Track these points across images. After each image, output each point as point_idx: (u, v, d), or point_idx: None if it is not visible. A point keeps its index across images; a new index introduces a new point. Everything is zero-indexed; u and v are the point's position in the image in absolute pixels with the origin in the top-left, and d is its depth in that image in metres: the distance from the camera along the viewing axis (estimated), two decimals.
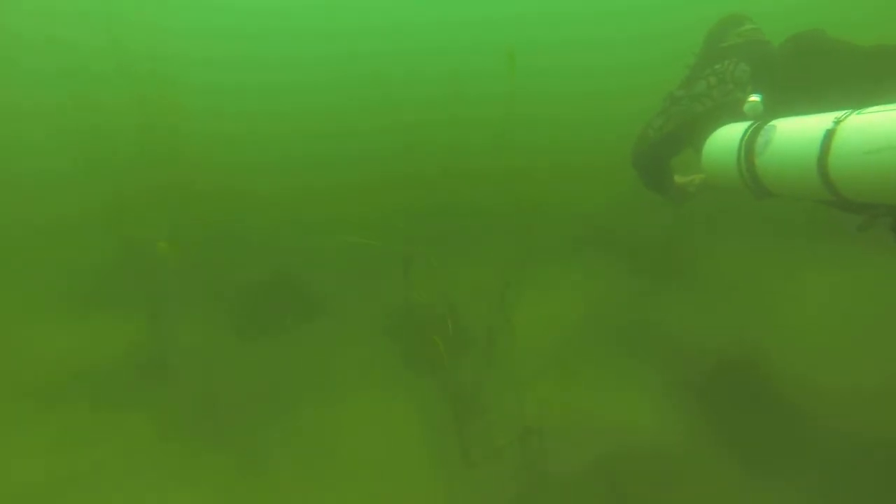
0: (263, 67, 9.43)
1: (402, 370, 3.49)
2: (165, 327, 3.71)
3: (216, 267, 4.31)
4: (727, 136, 2.13)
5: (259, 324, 3.94)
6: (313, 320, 4.06)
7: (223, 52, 9.65)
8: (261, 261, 4.52)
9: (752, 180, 1.98)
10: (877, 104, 1.59)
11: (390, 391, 3.31)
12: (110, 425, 3.05)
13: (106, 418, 3.10)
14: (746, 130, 2.01)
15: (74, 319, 3.98)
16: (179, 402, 3.21)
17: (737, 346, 3.42)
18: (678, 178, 2.75)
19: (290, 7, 11.99)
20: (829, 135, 1.62)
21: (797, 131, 1.78)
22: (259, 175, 5.93)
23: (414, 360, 3.52)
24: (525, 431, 2.72)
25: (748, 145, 1.96)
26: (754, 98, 2.16)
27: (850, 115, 1.60)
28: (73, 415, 3.12)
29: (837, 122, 1.61)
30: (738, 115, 2.19)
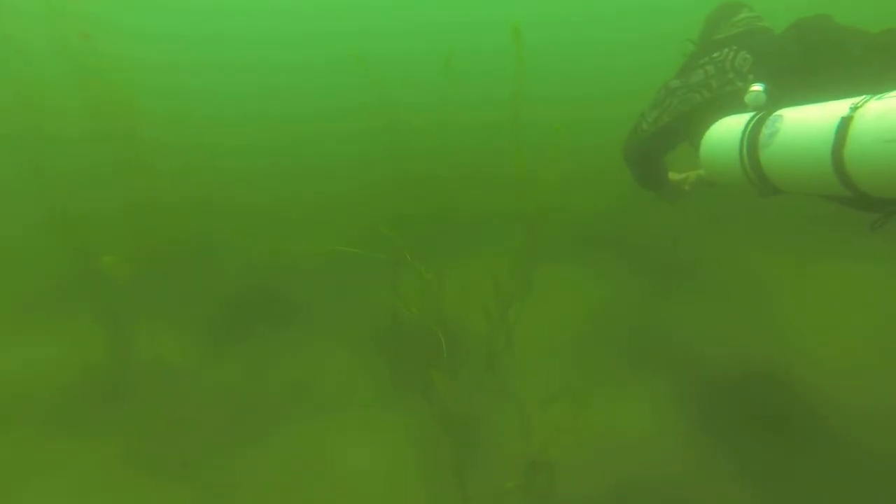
0: (244, 72, 9.28)
1: (391, 391, 3.23)
2: (127, 343, 3.42)
3: (187, 278, 4.07)
4: (728, 128, 1.98)
5: (232, 338, 3.68)
6: (291, 335, 3.78)
7: (201, 57, 9.50)
8: (236, 271, 4.29)
9: (756, 175, 1.82)
10: (894, 89, 1.42)
11: (377, 415, 3.05)
12: (62, 455, 2.76)
13: (57, 447, 2.81)
14: (749, 122, 1.86)
15: (22, 336, 3.66)
16: (141, 427, 2.93)
17: (754, 357, 3.20)
18: (672, 175, 2.62)
19: (273, 9, 11.92)
20: (846, 122, 1.45)
21: (808, 120, 1.62)
22: (235, 183, 5.70)
23: (403, 381, 3.26)
24: (531, 465, 2.45)
25: (752, 137, 1.81)
26: (757, 87, 2.00)
27: (868, 100, 1.44)
28: (18, 443, 2.82)
29: (854, 108, 1.45)
30: (738, 106, 2.04)
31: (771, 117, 1.76)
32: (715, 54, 2.28)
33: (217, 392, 3.24)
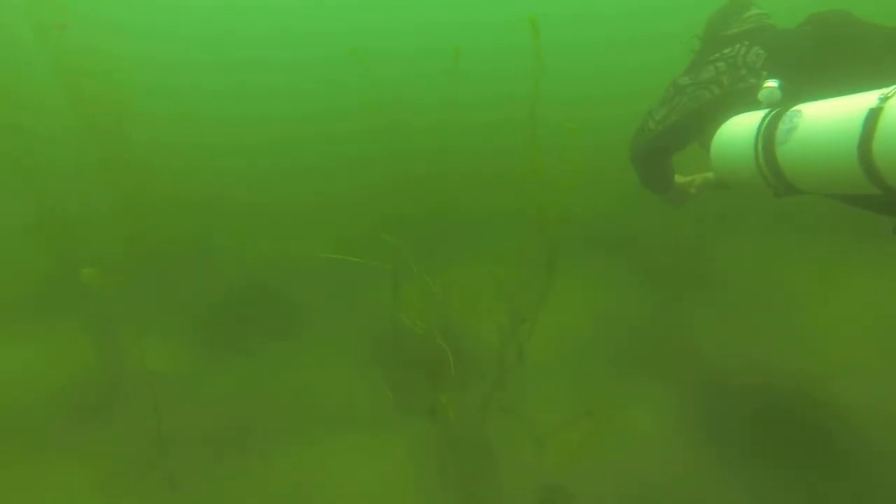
0: (244, 70, 9.17)
1: (393, 408, 3.04)
2: (114, 352, 3.22)
3: (179, 282, 3.92)
4: (741, 125, 1.90)
5: (226, 347, 3.53)
6: (287, 345, 3.59)
7: (201, 55, 9.40)
8: (232, 274, 4.15)
9: (772, 174, 1.74)
10: None
11: (378, 435, 2.85)
12: (40, 476, 2.57)
13: (35, 469, 2.62)
14: (764, 118, 1.78)
15: (1, 345, 3.46)
16: (126, 445, 2.73)
17: (778, 370, 3.01)
18: (678, 178, 2.54)
19: (272, 8, 11.83)
20: (874, 114, 1.36)
21: (831, 113, 1.53)
22: (234, 183, 5.58)
23: (406, 397, 3.07)
24: (546, 491, 2.33)
25: (767, 134, 1.72)
26: (771, 83, 1.93)
27: None
28: None
29: (885, 98, 1.35)
30: (751, 104, 1.96)
31: (788, 112, 1.68)
32: (726, 50, 2.20)
33: (208, 406, 3.08)
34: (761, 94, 1.93)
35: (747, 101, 1.98)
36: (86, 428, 2.88)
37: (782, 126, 1.67)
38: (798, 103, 1.70)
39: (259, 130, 6.99)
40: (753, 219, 4.24)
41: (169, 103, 6.49)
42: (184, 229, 4.36)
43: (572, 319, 3.68)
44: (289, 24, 11.29)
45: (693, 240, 4.20)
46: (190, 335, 3.63)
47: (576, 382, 3.15)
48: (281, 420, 2.97)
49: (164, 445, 2.65)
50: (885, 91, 1.38)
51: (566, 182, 2.69)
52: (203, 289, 3.97)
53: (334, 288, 4.06)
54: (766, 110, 1.82)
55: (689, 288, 3.84)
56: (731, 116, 2.00)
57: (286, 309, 3.90)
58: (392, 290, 3.44)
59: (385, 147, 5.51)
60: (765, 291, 3.73)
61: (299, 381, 3.28)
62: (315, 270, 4.17)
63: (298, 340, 3.63)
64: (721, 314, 3.57)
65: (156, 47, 8.08)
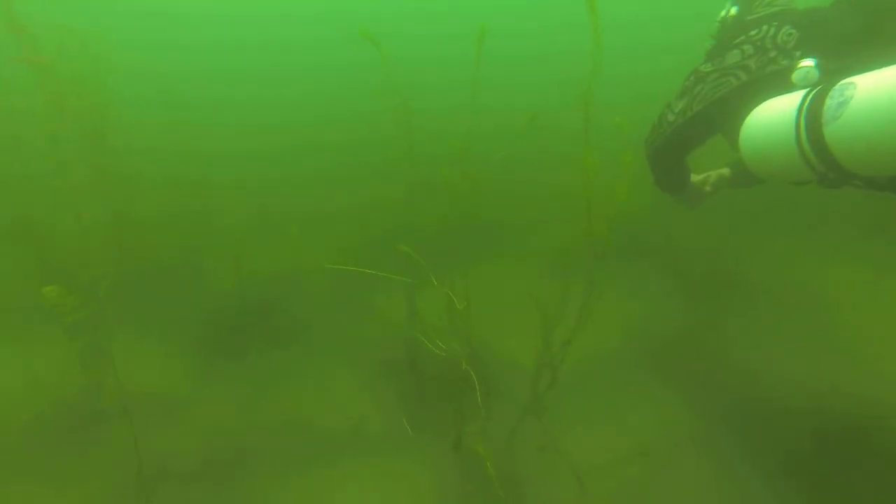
0: (253, 79, 9.13)
1: (410, 434, 2.76)
2: (102, 369, 2.86)
3: (175, 294, 3.74)
4: (776, 109, 1.73)
5: (224, 365, 3.33)
6: (291, 361, 3.34)
7: (205, 63, 9.38)
8: (232, 287, 3.95)
9: (819, 159, 1.55)
10: None
11: (393, 464, 2.57)
12: None
13: (5, 497, 2.43)
14: (806, 97, 1.61)
15: None
16: (113, 471, 2.49)
17: (837, 396, 2.63)
18: (693, 177, 2.39)
19: (278, 15, 11.87)
20: None
21: (892, 81, 1.33)
22: (241, 192, 5.44)
23: (424, 421, 2.78)
24: None
25: (812, 114, 1.54)
26: (807, 62, 1.75)
27: None
28: None
29: None
30: (782, 88, 1.80)
31: (837, 87, 1.49)
32: (752, 32, 2.02)
33: (205, 429, 2.85)
34: (796, 76, 1.76)
35: (778, 84, 1.82)
36: (71, 450, 2.68)
37: (830, 102, 1.48)
38: (845, 77, 1.49)
39: (269, 138, 6.88)
40: (795, 220, 3.90)
41: (173, 112, 6.41)
42: (177, 240, 4.18)
43: (606, 334, 3.33)
44: (298, 32, 11.28)
45: (725, 244, 3.88)
46: (185, 350, 3.43)
47: (617, 409, 2.80)
48: (285, 442, 2.74)
49: (156, 470, 2.43)
50: None
51: (616, 185, 2.36)
52: (199, 302, 3.79)
53: (343, 298, 3.85)
54: (805, 90, 1.65)
55: (726, 297, 3.54)
56: (760, 103, 1.84)
57: (291, 322, 3.70)
58: (407, 304, 3.21)
59: (401, 154, 5.32)
60: (804, 296, 3.41)
61: (306, 399, 3.05)
62: (321, 282, 3.98)
63: (303, 356, 3.40)
64: (761, 328, 3.24)
65: (152, 56, 8.09)
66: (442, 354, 2.45)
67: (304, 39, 10.84)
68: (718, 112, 2.01)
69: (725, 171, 2.44)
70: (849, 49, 1.69)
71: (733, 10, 2.22)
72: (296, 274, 4.15)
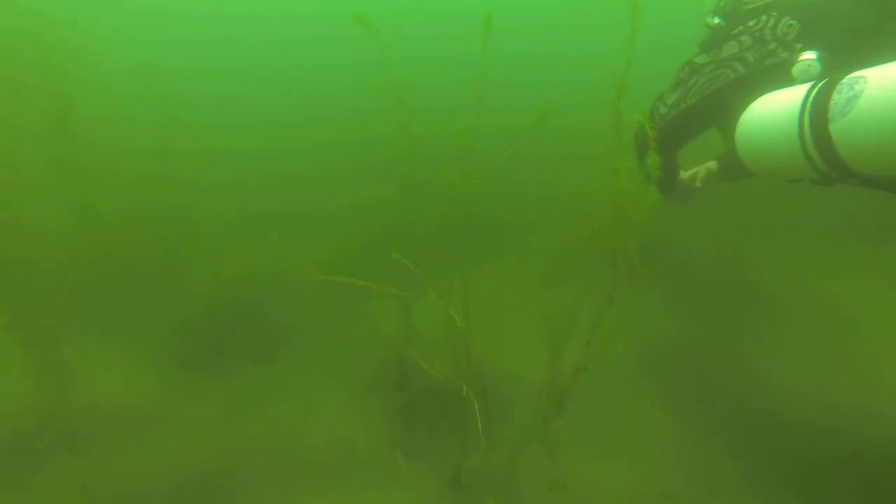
0: (252, 78, 9.07)
1: (402, 464, 2.57)
2: (65, 381, 2.72)
3: (144, 302, 3.50)
4: (777, 103, 1.65)
5: (202, 378, 3.12)
6: (275, 376, 3.11)
7: (211, 61, 9.33)
8: (209, 296, 3.77)
9: (822, 156, 1.47)
10: None
11: (383, 492, 2.38)
12: None
13: None
14: (810, 91, 1.52)
15: None
16: (80, 496, 2.29)
17: (858, 414, 2.46)
18: (682, 173, 2.33)
19: (279, 14, 11.81)
20: None
21: None
22: (229, 193, 5.32)
23: (417, 445, 2.60)
24: None
25: (817, 108, 1.47)
26: (809, 55, 1.67)
27: None
28: None
29: None
30: (781, 81, 1.74)
31: (845, 80, 1.41)
32: (751, 23, 1.93)
33: (176, 450, 2.62)
34: (796, 69, 1.70)
35: (776, 78, 1.76)
36: (32, 471, 2.46)
37: (838, 96, 1.40)
38: (852, 71, 1.41)
39: (266, 137, 6.80)
40: (801, 226, 3.75)
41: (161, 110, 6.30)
42: (157, 242, 4.00)
43: (615, 346, 3.16)
44: (300, 31, 11.22)
45: (737, 251, 3.73)
46: (159, 361, 3.24)
47: (630, 436, 2.59)
48: (267, 468, 2.53)
49: (125, 497, 2.25)
50: None
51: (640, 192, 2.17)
52: (176, 308, 3.59)
53: (331, 316, 3.64)
54: (810, 83, 1.56)
55: (736, 306, 3.38)
56: (758, 96, 1.75)
57: (275, 333, 3.52)
58: (402, 316, 3.00)
59: (401, 155, 5.21)
60: (822, 315, 3.23)
61: (289, 420, 2.85)
62: (308, 291, 3.80)
63: (288, 371, 3.20)
64: (776, 341, 3.08)
65: (152, 56, 8.02)
66: (439, 376, 2.25)
67: (304, 39, 10.78)
68: (714, 105, 1.94)
69: (713, 164, 2.34)
70: (857, 43, 1.61)
71: None
72: (282, 278, 3.92)
